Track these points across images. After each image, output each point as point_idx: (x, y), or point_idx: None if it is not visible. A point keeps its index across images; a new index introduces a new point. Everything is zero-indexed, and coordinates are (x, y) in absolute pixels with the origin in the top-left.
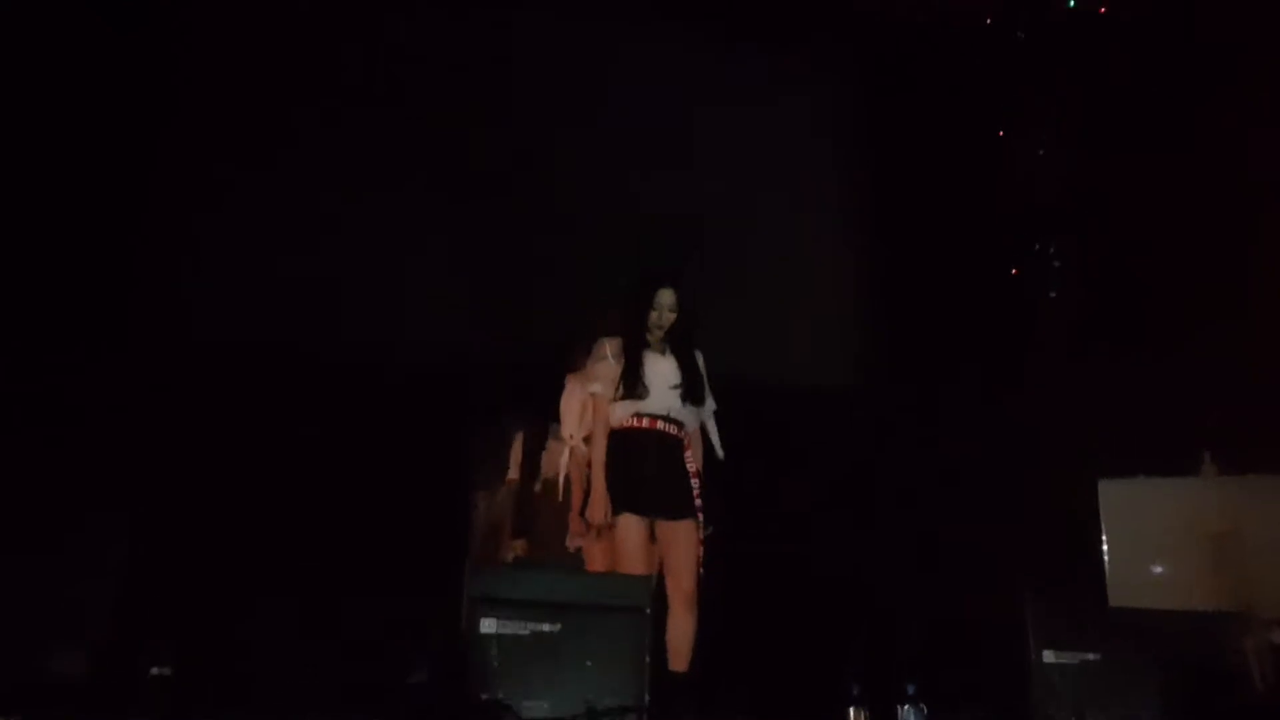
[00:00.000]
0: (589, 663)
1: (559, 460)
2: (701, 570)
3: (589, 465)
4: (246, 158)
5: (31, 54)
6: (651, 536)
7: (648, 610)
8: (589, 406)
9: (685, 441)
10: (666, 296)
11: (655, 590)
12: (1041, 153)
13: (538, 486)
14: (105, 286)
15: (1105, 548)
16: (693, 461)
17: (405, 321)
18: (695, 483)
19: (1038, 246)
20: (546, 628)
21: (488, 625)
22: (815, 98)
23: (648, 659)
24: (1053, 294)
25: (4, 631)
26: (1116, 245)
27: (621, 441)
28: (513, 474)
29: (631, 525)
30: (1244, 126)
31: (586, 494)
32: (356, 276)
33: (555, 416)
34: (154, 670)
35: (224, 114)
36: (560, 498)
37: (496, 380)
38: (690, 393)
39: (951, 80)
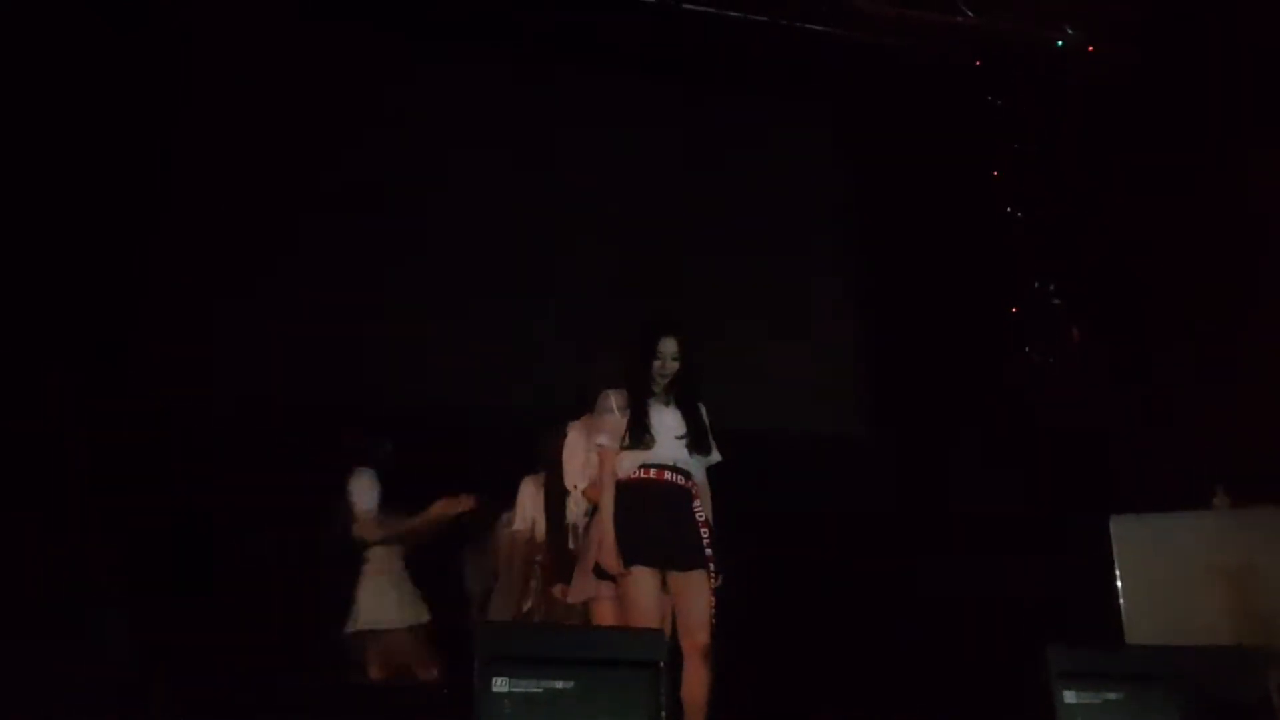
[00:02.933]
0: (604, 719)
1: (566, 511)
2: (714, 621)
3: (593, 519)
4: (254, 223)
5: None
6: (663, 589)
7: (662, 664)
8: (593, 457)
9: (693, 491)
10: (669, 345)
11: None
12: (1040, 186)
13: (546, 538)
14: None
15: (1120, 584)
16: (702, 511)
17: (406, 377)
18: (705, 533)
19: (1038, 284)
20: (559, 685)
21: (500, 684)
22: (809, 149)
23: (663, 714)
24: (1058, 330)
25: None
26: (1123, 281)
27: (629, 494)
28: (520, 525)
29: (643, 578)
30: (1244, 163)
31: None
32: (359, 332)
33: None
34: None
35: (234, 188)
36: (571, 544)
37: (501, 432)
38: (696, 443)
39: (944, 124)
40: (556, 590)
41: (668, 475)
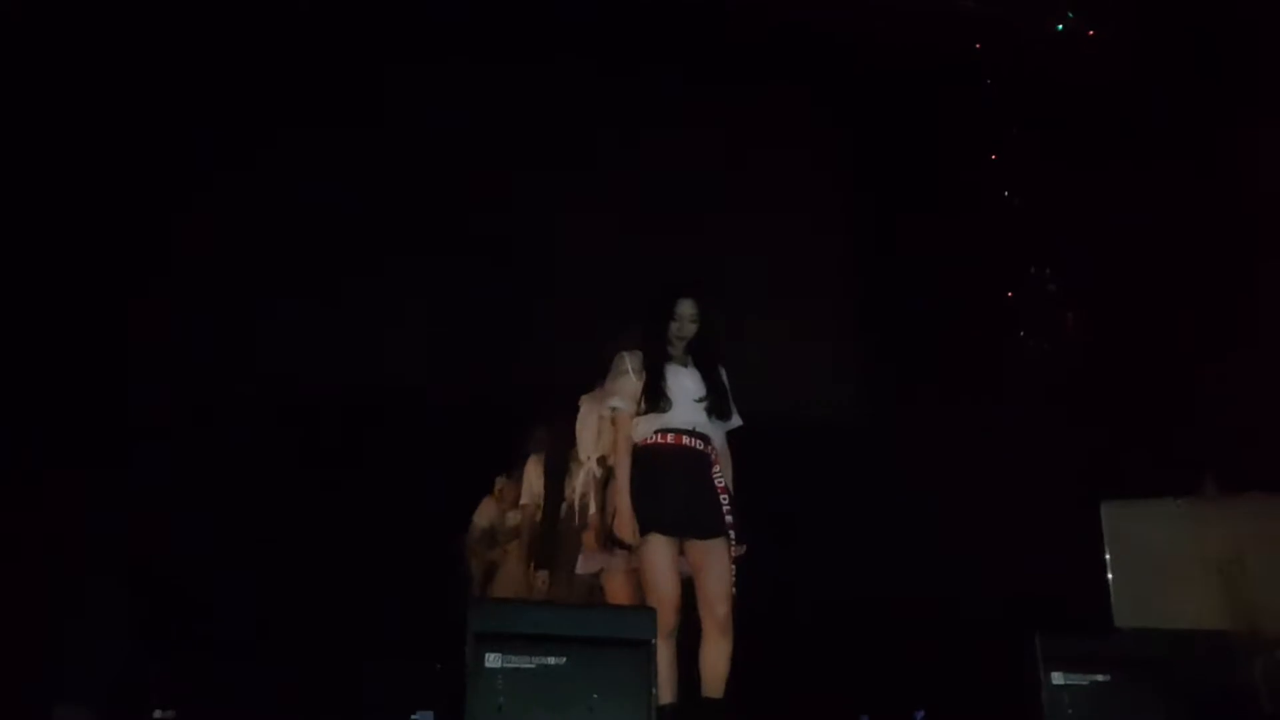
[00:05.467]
0: (595, 695)
1: (573, 483)
2: (734, 591)
3: (608, 487)
4: (263, 208)
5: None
6: (680, 558)
7: (653, 642)
8: (606, 427)
9: (713, 457)
10: (687, 307)
11: (687, 615)
12: (1038, 171)
13: (562, 513)
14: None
15: (1109, 569)
16: (721, 477)
17: (410, 354)
18: (725, 499)
19: (1033, 270)
20: (552, 661)
21: (493, 660)
22: (808, 132)
23: (654, 690)
24: (1050, 317)
25: (12, 683)
26: (1114, 264)
27: (646, 459)
28: (524, 499)
29: (659, 546)
30: (1243, 150)
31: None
32: (359, 312)
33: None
34: (157, 714)
35: (236, 163)
36: (576, 522)
37: (508, 407)
38: (716, 407)
39: (943, 108)
40: (539, 575)
41: (686, 440)
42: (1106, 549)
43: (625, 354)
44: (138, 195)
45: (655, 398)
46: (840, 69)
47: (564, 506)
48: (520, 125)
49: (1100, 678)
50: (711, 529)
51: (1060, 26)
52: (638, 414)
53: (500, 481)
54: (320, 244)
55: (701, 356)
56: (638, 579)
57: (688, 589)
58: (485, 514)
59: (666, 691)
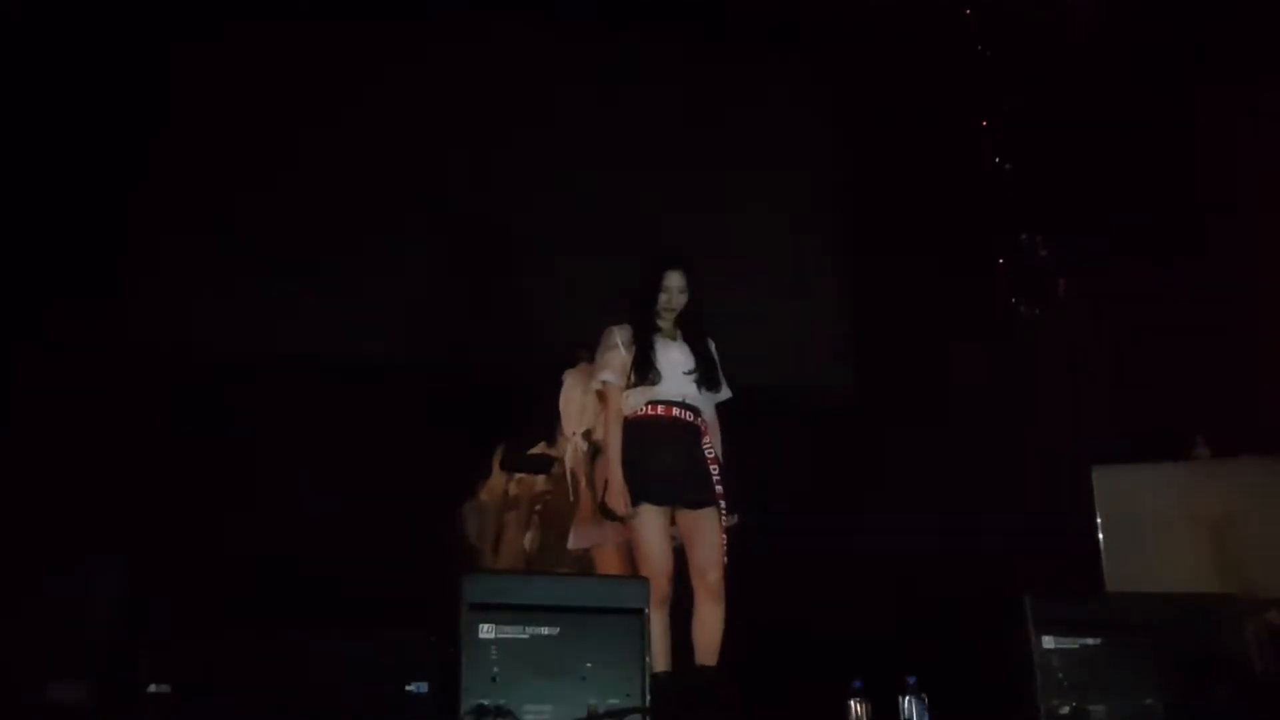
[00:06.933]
0: (588, 665)
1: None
2: (725, 559)
3: (595, 461)
4: (241, 178)
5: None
6: (672, 527)
7: (646, 611)
8: (590, 402)
9: (702, 428)
10: (675, 279)
11: (679, 583)
12: (1029, 137)
13: (546, 486)
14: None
15: (1100, 533)
16: (711, 448)
17: (401, 327)
18: (715, 469)
19: (1025, 235)
20: (545, 631)
21: (486, 630)
22: (797, 99)
23: (647, 659)
24: (1041, 278)
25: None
26: (1105, 227)
27: (636, 431)
28: (521, 474)
29: (651, 516)
30: (1239, 116)
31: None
32: (347, 287)
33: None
34: (152, 688)
35: (221, 131)
36: (571, 497)
37: (498, 382)
38: (705, 378)
39: (932, 73)
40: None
41: (676, 411)
42: (1098, 512)
43: (614, 328)
44: (127, 186)
45: (645, 370)
46: (829, 35)
47: (553, 481)
48: (506, 90)
49: (1091, 641)
50: (702, 499)
51: None
52: (627, 387)
53: (500, 452)
54: (302, 221)
55: (690, 329)
56: (629, 553)
57: (680, 559)
58: (484, 485)
59: (660, 660)
